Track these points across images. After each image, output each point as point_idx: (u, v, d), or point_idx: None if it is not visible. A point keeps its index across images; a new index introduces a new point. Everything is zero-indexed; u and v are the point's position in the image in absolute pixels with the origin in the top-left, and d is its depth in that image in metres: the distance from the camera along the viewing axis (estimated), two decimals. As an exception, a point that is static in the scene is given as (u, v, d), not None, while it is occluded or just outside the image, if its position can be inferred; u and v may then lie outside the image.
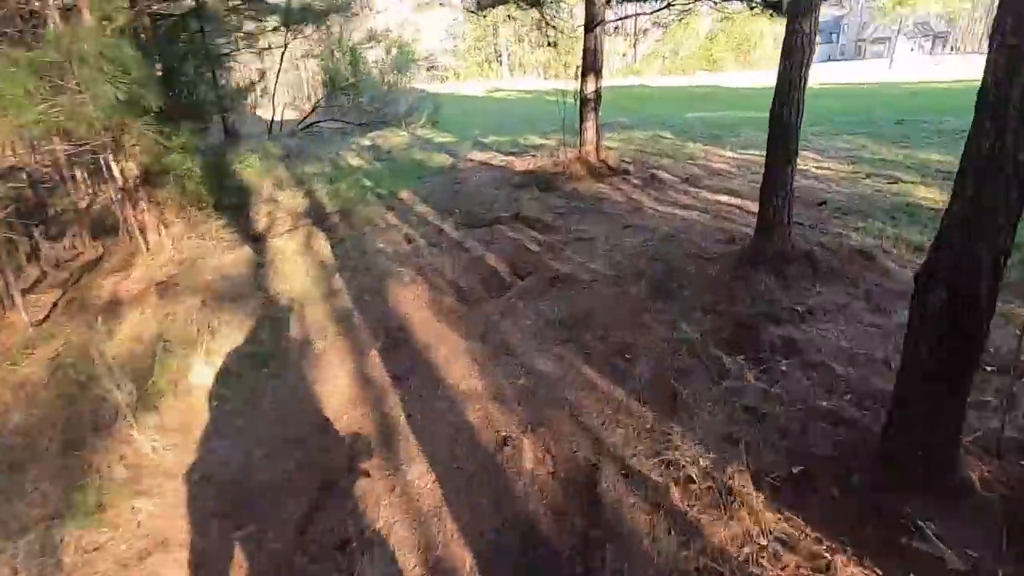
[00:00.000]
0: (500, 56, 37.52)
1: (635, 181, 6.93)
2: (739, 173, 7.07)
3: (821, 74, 25.65)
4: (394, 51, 21.82)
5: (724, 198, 6.06)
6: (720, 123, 10.88)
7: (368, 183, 8.01)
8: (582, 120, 7.48)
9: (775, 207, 3.84)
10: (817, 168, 7.09)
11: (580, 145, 7.56)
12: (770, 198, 3.85)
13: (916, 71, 24.99)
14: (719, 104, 14.65)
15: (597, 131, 7.46)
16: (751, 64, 28.53)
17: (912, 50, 65.44)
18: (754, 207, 5.72)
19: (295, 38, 12.14)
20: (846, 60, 66.84)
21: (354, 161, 9.81)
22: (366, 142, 12.33)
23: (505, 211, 6.16)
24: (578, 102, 7.50)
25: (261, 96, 19.50)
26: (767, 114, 3.94)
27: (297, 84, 22.22)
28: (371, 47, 20.65)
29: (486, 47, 38.35)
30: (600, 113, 7.48)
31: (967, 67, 24.13)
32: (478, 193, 7.04)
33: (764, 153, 3.96)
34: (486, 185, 7.38)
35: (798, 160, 3.93)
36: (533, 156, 8.72)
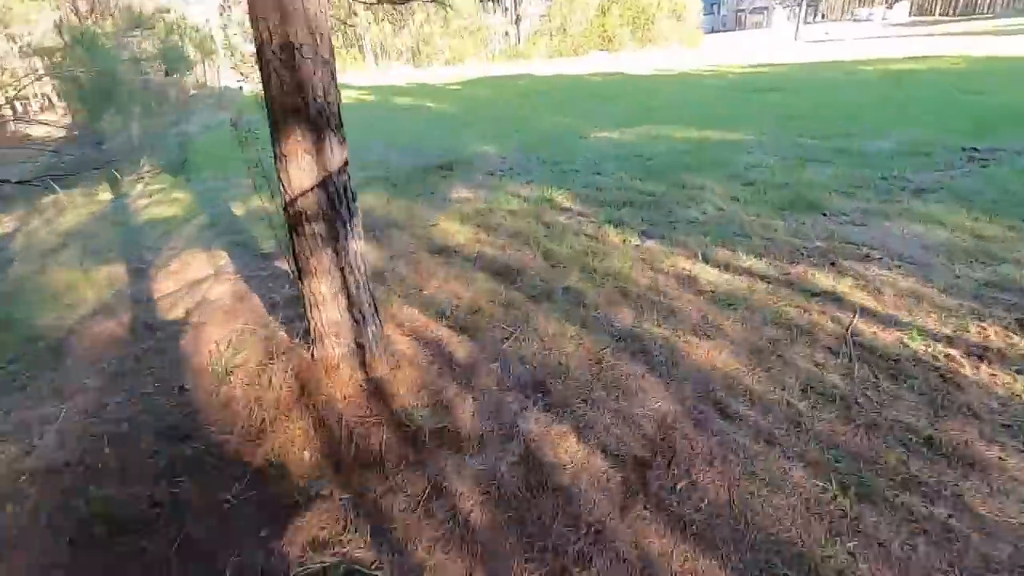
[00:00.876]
0: (361, 42, 31.17)
1: (478, 517, 2.00)
2: (794, 431, 2.38)
3: (727, 52, 22.21)
4: (174, 40, 15.30)
5: None
6: (651, 158, 6.27)
7: None
8: (304, 275, 2.40)
9: None
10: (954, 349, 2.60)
11: (312, 342, 2.50)
12: None
13: (823, 46, 22.34)
14: (631, 105, 10.13)
15: (354, 301, 2.42)
16: (650, 40, 24.81)
17: (788, 19, 66.61)
18: None
19: None
20: (728, 31, 66.83)
21: None
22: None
23: None
24: (284, 220, 2.41)
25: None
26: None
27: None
28: (134, 36, 14.17)
29: (342, 29, 31.69)
30: (355, 231, 2.52)
31: (877, 42, 21.64)
32: None
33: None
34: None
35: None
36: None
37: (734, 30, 67.26)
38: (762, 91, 9.85)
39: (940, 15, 57.53)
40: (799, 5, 58.22)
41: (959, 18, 48.90)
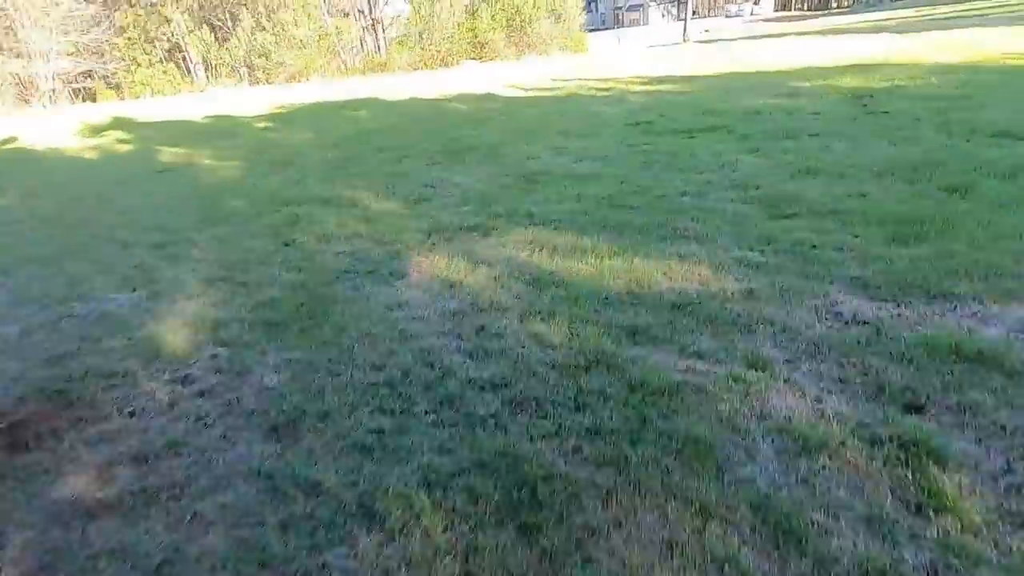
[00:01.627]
0: (184, 54, 24.98)
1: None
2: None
3: (617, 58, 19.44)
4: None
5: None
6: (533, 410, 2.53)
7: None
8: None
9: None
10: None
11: None
12: None
13: (716, 48, 20.30)
14: (498, 168, 6.43)
15: None
16: (529, 46, 21.40)
17: (663, 16, 67.61)
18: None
19: None
20: (607, 29, 66.59)
21: None
22: None
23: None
24: None
25: None
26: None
27: None
28: None
29: (160, 37, 25.29)
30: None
31: (773, 42, 19.91)
32: None
33: None
34: None
35: None
36: None
37: (613, 27, 67.23)
38: (695, 133, 6.54)
39: (797, 9, 60.70)
40: (675, 3, 58.73)
41: (817, 13, 51.20)
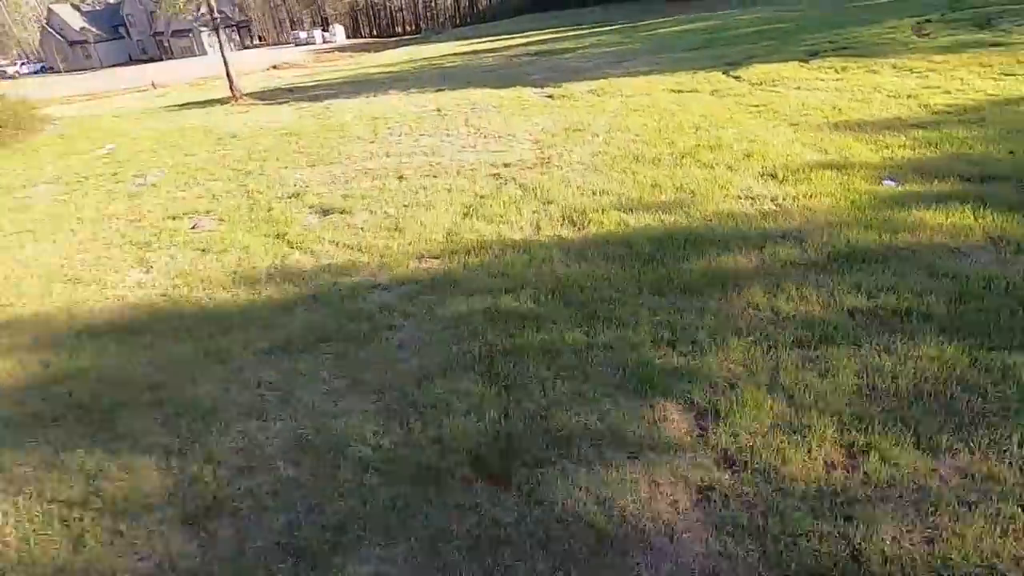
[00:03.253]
0: None
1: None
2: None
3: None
4: None
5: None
6: None
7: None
8: None
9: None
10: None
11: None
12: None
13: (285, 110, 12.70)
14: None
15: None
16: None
17: (228, 43, 56.05)
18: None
19: None
20: (153, 60, 50.93)
21: None
22: None
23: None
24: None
25: None
26: None
27: None
28: None
29: None
30: None
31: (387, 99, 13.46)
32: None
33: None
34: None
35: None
36: None
37: (161, 59, 51.73)
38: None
39: (368, 36, 58.74)
40: (234, 28, 47.48)
41: (389, 40, 49.36)
